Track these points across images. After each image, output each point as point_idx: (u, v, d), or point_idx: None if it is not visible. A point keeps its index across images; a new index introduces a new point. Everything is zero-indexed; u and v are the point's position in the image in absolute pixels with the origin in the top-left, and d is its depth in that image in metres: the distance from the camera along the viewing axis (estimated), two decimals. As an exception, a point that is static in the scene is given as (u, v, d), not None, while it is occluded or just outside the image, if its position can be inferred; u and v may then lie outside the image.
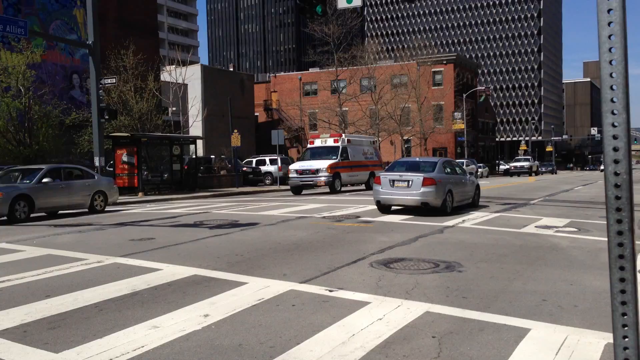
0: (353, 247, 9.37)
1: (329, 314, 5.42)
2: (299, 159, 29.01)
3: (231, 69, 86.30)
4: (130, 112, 31.70)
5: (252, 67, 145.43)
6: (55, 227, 13.44)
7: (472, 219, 13.44)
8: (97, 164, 24.85)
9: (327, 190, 27.39)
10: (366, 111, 55.84)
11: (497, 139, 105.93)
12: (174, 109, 41.15)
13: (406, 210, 15.58)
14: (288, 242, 9.99)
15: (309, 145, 28.35)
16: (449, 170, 16.13)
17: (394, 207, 15.61)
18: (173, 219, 14.53)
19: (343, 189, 27.95)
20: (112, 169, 27.71)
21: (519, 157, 71.21)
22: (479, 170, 53.06)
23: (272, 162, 40.21)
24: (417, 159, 17.98)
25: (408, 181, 14.82)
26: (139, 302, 6.00)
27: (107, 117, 25.35)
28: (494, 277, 7.03)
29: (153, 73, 34.26)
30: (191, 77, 45.80)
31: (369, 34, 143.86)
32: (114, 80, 26.91)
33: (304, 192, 26.80)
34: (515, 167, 61.51)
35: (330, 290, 6.34)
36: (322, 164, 25.63)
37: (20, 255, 9.07)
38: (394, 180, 15.07)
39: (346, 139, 27.51)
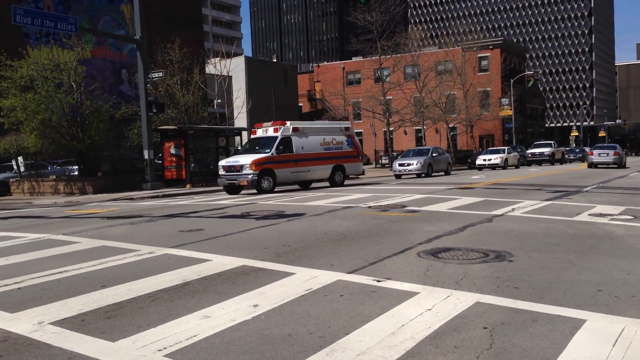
0: (400, 236, 9.31)
1: (377, 305, 5.41)
2: (235, 153, 25.25)
3: (274, 60, 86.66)
4: (177, 105, 32.26)
5: (295, 58, 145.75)
6: (108, 219, 13.83)
7: (522, 207, 13.17)
8: (146, 156, 25.45)
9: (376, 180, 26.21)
10: (410, 99, 55.29)
11: (546, 125, 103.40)
12: (219, 101, 41.68)
13: (456, 199, 15.44)
14: (334, 232, 9.99)
15: (251, 136, 24.54)
16: (620, 148, 38.54)
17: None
18: (221, 210, 14.74)
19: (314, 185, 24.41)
20: (160, 162, 28.30)
21: (539, 142, 59.11)
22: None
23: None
24: (606, 144, 43.15)
25: (607, 153, 36.38)
26: (190, 292, 6.11)
27: (155, 110, 25.94)
28: (546, 267, 6.87)
29: (198, 66, 34.78)
30: (235, 69, 46.30)
31: (412, 21, 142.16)
32: (160, 74, 27.44)
33: (346, 182, 25.78)
34: (533, 154, 50.12)
35: (378, 281, 6.32)
36: (248, 159, 21.44)
37: (76, 247, 9.36)
38: (600, 153, 36.47)
39: (291, 127, 22.97)
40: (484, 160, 42.62)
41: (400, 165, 32.38)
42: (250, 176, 21.01)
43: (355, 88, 70.05)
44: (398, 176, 32.23)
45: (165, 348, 4.39)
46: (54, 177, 27.85)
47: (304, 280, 6.45)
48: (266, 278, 6.61)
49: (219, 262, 7.58)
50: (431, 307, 5.27)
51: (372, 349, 4.25)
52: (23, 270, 7.47)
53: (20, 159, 27.93)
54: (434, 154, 33.71)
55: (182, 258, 8.02)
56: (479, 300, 5.44)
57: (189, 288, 6.28)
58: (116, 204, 19.65)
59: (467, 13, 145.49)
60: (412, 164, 31.68)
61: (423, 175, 31.68)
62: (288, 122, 23.39)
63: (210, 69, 43.66)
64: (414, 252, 7.94)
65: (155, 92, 29.11)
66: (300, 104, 74.04)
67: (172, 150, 27.54)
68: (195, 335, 4.65)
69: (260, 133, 23.30)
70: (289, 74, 71.03)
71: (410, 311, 5.15)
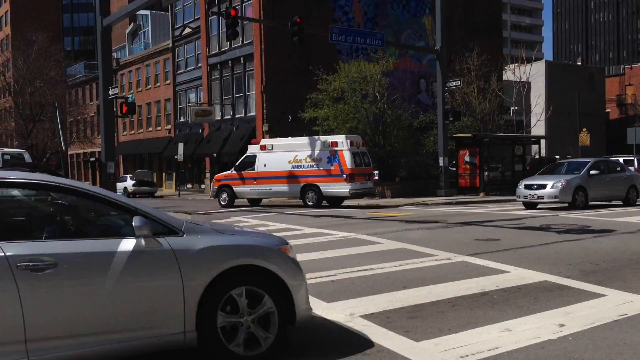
0: None
1: None
2: None
3: (579, 63, 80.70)
4: (473, 112, 32.17)
5: (602, 60, 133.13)
6: (406, 222, 14.48)
7: None
8: (441, 163, 26.00)
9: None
10: None
11: None
12: (515, 108, 40.30)
13: None
14: (652, 254, 8.85)
15: None
16: None
17: None
18: (517, 221, 14.25)
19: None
20: (454, 169, 28.57)
21: None
22: None
23: (627, 162, 36.18)
24: None
25: None
26: (489, 302, 6.04)
27: (451, 118, 26.34)
28: None
29: (496, 73, 34.13)
30: (535, 74, 44.16)
31: None
32: (458, 83, 27.73)
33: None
34: None
35: None
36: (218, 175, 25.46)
37: (378, 247, 10.05)
38: None
39: (259, 145, 23.51)
40: None
41: (527, 187, 18.96)
42: (215, 190, 24.68)
43: (679, 91, 60.92)
44: (528, 205, 19.01)
45: (467, 356, 4.42)
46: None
47: (616, 304, 5.86)
48: (572, 297, 6.18)
49: (518, 275, 7.34)
50: None
51: None
52: (335, 265, 8.29)
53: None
54: (591, 171, 19.21)
55: (479, 267, 7.98)
56: None
57: (487, 298, 6.22)
58: (412, 208, 20.47)
59: None
60: (547, 186, 18.33)
61: (567, 205, 18.36)
62: (263, 140, 24.73)
63: (508, 75, 42.54)
64: None
65: (451, 101, 29.52)
66: (607, 110, 67.43)
67: (467, 158, 27.53)
68: (497, 347, 4.59)
69: None
70: (595, 77, 65.30)
71: None
